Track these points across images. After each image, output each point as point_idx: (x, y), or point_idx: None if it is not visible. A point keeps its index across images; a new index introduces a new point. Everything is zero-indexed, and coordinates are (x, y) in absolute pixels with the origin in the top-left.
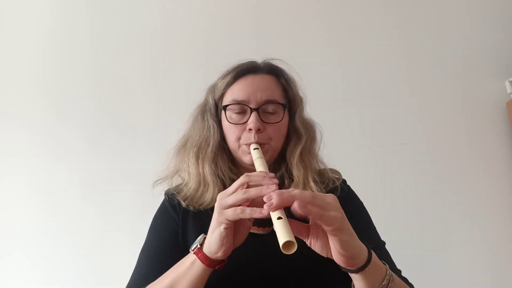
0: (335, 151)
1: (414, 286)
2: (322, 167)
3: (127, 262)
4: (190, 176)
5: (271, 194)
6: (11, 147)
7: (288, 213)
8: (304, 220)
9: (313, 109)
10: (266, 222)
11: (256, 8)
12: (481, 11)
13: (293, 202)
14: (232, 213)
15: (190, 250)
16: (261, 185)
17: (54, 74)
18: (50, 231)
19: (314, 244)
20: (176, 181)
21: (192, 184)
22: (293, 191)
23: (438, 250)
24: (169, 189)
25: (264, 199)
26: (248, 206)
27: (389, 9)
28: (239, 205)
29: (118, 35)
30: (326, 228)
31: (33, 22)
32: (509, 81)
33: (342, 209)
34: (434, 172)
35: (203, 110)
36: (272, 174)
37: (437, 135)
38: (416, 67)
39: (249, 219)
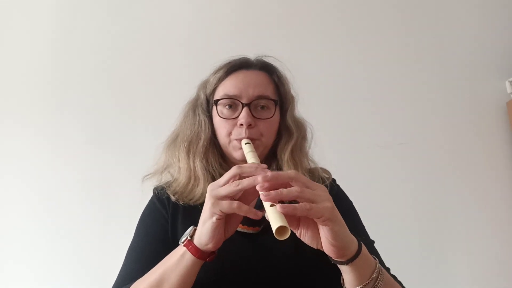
0: (335, 151)
1: (414, 285)
2: (312, 165)
3: None
4: (180, 171)
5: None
6: (11, 145)
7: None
8: None
9: (312, 108)
10: (256, 221)
11: (252, 7)
12: (481, 11)
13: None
14: (228, 206)
15: (179, 243)
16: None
17: (53, 73)
18: (50, 230)
19: (304, 235)
20: (165, 177)
21: (182, 179)
22: (288, 172)
23: (438, 250)
24: (157, 185)
25: (257, 187)
26: (240, 196)
27: (389, 9)
28: (233, 197)
29: (116, 34)
30: (316, 219)
31: (32, 21)
32: (509, 81)
33: (332, 199)
34: (434, 172)
35: (194, 105)
36: (265, 166)
37: (437, 135)
38: (416, 67)
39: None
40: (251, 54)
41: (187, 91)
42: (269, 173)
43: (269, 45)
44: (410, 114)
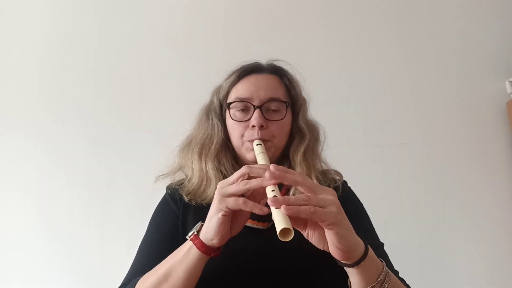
0: (335, 151)
1: (414, 286)
2: (325, 167)
3: (128, 262)
4: (193, 172)
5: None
6: (11, 147)
7: None
8: None
9: (313, 109)
10: (266, 217)
11: (258, 9)
12: (481, 11)
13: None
14: (233, 202)
15: (187, 237)
16: (262, 177)
17: (54, 75)
18: (50, 232)
19: (311, 236)
20: (178, 176)
21: (195, 180)
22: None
23: (438, 250)
24: (171, 183)
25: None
26: (249, 196)
27: (389, 10)
28: (240, 195)
29: (118, 36)
30: (321, 223)
31: (32, 22)
32: (509, 81)
33: (339, 203)
34: (434, 172)
35: (208, 110)
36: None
37: (437, 135)
38: (416, 67)
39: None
40: (258, 56)
41: (188, 95)
42: (277, 172)
43: (275, 48)
44: (410, 114)
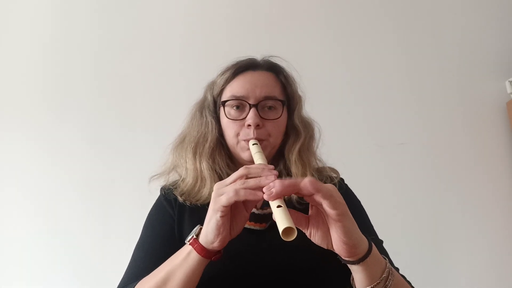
0: (335, 151)
1: (413, 285)
2: (320, 165)
3: (127, 261)
4: (187, 171)
5: (271, 184)
6: (12, 146)
7: (288, 204)
8: (303, 211)
9: (313, 109)
10: (263, 218)
11: (256, 6)
12: (481, 11)
13: (292, 192)
14: (225, 198)
15: (185, 242)
16: (260, 176)
17: (54, 74)
18: (50, 230)
19: (314, 235)
20: (173, 177)
21: (189, 180)
22: (294, 180)
23: (438, 250)
24: (165, 184)
25: (264, 189)
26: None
27: (389, 9)
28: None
29: (117, 35)
30: (330, 212)
31: (32, 22)
32: (509, 81)
33: (343, 198)
34: (434, 172)
35: (201, 107)
36: (272, 166)
37: (437, 135)
38: (416, 67)
39: (246, 210)
40: (255, 53)
41: (188, 93)
42: (273, 177)
43: (273, 46)
44: (410, 114)
